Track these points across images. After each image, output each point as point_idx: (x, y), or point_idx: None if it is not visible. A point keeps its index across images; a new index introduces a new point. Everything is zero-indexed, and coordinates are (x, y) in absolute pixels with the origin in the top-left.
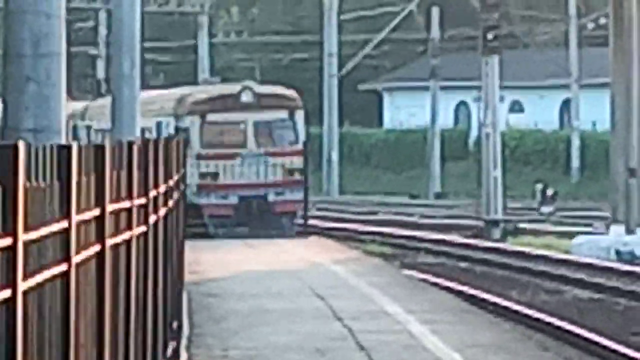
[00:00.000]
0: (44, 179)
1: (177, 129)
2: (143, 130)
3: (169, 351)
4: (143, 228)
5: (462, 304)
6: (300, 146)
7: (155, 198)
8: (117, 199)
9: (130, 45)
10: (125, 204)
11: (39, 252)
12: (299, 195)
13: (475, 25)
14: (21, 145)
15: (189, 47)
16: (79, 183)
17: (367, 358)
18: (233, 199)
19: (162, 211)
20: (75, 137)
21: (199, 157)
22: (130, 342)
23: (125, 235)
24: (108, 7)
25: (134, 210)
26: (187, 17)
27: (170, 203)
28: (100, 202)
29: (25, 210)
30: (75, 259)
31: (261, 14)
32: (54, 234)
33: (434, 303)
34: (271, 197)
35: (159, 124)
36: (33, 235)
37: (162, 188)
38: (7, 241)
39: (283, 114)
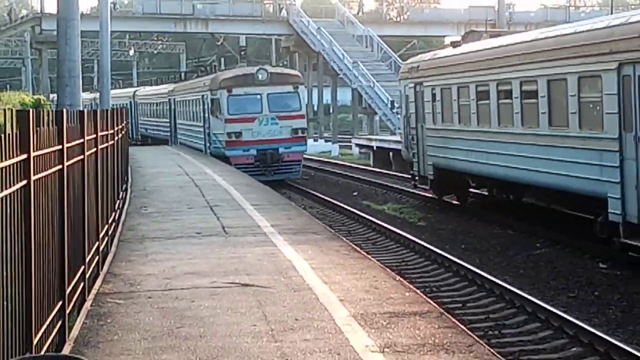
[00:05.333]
0: (50, 125)
1: (212, 100)
2: (194, 101)
3: (124, 187)
4: (111, 142)
5: (238, 171)
6: (302, 112)
7: (117, 130)
8: (94, 132)
9: (107, 74)
10: (102, 133)
11: (44, 161)
12: (302, 148)
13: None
14: (31, 112)
15: (128, 74)
16: (68, 127)
17: (198, 189)
18: (253, 152)
19: (120, 135)
20: (169, 104)
21: (227, 120)
22: (108, 186)
23: (102, 146)
24: (98, 58)
25: (107, 136)
26: (127, 62)
27: (122, 133)
28: (82, 136)
29: (34, 140)
30: (67, 163)
31: (157, 61)
32: (54, 152)
33: (227, 170)
34: (281, 150)
35: (203, 96)
36: (40, 152)
37: (120, 126)
38: (23, 156)
39: (289, 88)
